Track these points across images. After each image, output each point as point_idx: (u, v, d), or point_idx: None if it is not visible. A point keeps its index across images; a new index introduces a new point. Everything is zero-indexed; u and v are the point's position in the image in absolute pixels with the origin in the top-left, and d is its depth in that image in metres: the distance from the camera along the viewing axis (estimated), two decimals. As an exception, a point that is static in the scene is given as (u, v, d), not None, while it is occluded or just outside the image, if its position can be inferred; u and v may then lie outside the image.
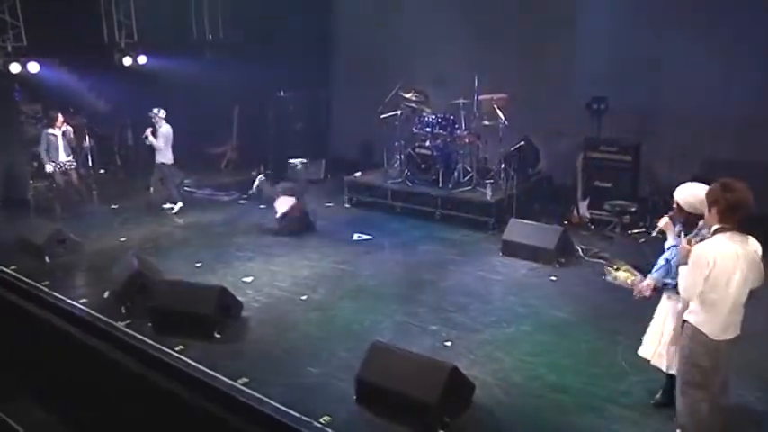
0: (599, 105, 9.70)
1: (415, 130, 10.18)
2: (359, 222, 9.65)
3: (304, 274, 7.73)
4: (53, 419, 5.13)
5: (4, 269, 7.70)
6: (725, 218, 3.81)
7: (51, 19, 11.23)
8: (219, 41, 13.32)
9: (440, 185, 9.72)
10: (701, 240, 3.98)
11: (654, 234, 4.91)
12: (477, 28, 10.56)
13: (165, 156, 10.28)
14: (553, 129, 10.10)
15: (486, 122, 9.71)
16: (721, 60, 8.71)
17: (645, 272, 4.89)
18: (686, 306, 4.06)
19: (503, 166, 9.71)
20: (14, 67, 10.54)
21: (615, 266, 5.07)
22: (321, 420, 4.75)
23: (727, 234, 3.80)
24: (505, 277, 7.53)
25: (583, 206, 9.21)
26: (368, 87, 11.68)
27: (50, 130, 9.97)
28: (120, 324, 6.37)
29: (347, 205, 10.58)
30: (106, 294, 7.02)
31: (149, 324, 6.31)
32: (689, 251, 3.95)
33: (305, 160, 11.94)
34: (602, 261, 7.67)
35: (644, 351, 4.89)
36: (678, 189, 4.47)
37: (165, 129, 10.21)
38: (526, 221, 8.33)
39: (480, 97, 9.58)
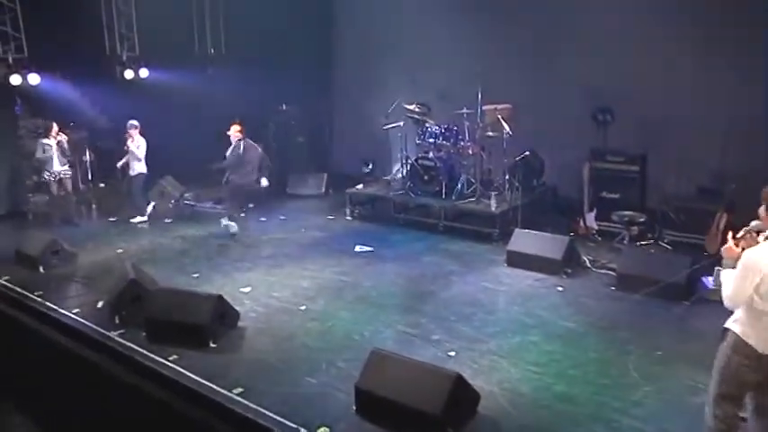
0: (604, 116, 9.56)
1: (418, 141, 10.05)
2: (361, 234, 9.46)
3: (303, 284, 7.53)
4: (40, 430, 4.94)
5: (-3, 280, 7.56)
6: None
7: (53, 31, 11.20)
8: (222, 56, 13.27)
9: (443, 197, 9.54)
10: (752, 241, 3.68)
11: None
12: (481, 40, 10.46)
13: (143, 166, 10.31)
14: (558, 140, 9.95)
15: (491, 133, 9.56)
16: (727, 71, 8.58)
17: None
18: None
19: (507, 177, 9.54)
20: (15, 79, 10.47)
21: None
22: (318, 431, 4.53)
23: None
24: (510, 288, 7.32)
25: (589, 217, 9.00)
26: (370, 101, 11.61)
27: (45, 140, 9.96)
28: (113, 334, 6.18)
29: (349, 218, 10.41)
30: (100, 304, 6.83)
31: (143, 334, 6.11)
32: (738, 255, 3.65)
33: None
34: (611, 272, 7.49)
35: None
36: None
37: (141, 139, 10.25)
38: (531, 231, 8.13)
39: (484, 107, 9.44)
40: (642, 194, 9.04)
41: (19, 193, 11.12)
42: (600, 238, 8.78)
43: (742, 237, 3.85)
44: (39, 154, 9.94)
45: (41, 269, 7.98)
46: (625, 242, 8.39)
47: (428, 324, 6.36)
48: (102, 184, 12.72)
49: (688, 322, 6.29)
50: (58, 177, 9.99)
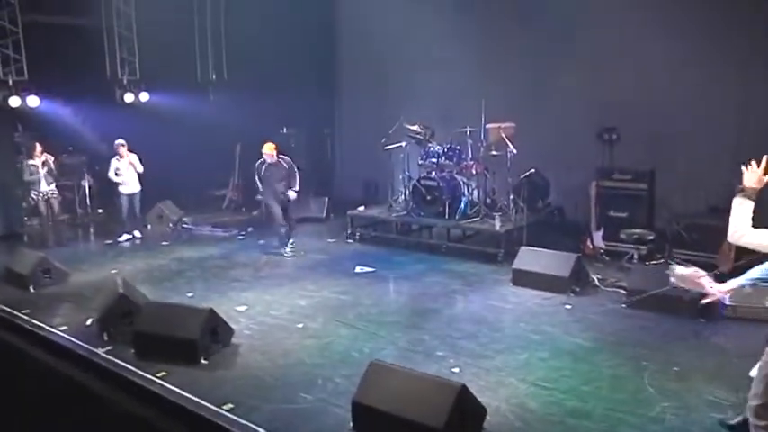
0: (610, 135, 9.41)
1: (420, 162, 9.86)
2: (362, 256, 9.19)
3: (301, 303, 7.24)
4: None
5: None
6: None
7: (54, 54, 11.20)
8: (223, 81, 13.25)
9: (446, 217, 9.30)
10: None
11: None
12: (484, 63, 10.38)
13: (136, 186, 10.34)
14: (563, 160, 9.76)
15: (495, 152, 9.36)
16: (736, 84, 8.44)
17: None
18: None
19: (512, 197, 9.31)
20: (14, 101, 10.41)
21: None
22: (312, 447, 4.22)
23: None
24: (517, 306, 7.01)
25: (597, 236, 8.74)
26: (372, 125, 11.47)
27: (30, 161, 10.03)
28: (100, 350, 5.88)
29: (350, 240, 10.15)
30: (89, 321, 6.55)
31: (132, 351, 5.81)
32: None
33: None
34: (621, 290, 7.19)
35: None
36: None
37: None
38: (538, 249, 7.85)
39: (488, 126, 9.28)
40: (650, 213, 8.79)
41: (14, 216, 10.95)
42: (608, 258, 8.49)
43: None
44: (26, 176, 10.02)
45: (31, 288, 7.72)
46: (634, 261, 8.12)
47: (431, 341, 6.05)
48: (100, 210, 12.52)
49: (705, 338, 5.97)
50: (45, 197, 10.03)
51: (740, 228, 3.49)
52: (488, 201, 9.63)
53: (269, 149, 9.31)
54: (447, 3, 11.01)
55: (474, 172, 9.57)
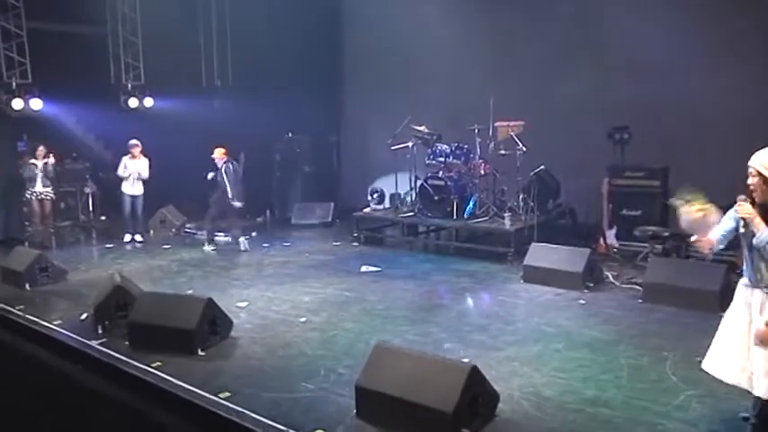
0: (621, 135, 9.16)
1: (427, 162, 9.65)
2: (367, 257, 8.94)
3: (305, 299, 6.98)
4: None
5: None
6: None
7: (59, 58, 11.16)
8: (228, 86, 13.14)
9: (455, 217, 9.06)
10: None
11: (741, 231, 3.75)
12: (493, 63, 10.21)
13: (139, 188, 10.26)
14: (574, 161, 9.51)
15: (503, 151, 9.13)
16: (749, 80, 8.22)
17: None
18: None
19: (522, 196, 9.07)
20: (17, 103, 10.30)
21: (687, 199, 3.82)
22: (312, 434, 3.94)
23: None
24: (528, 301, 6.73)
25: (610, 235, 8.47)
26: (378, 130, 11.27)
27: (31, 160, 10.11)
28: (94, 342, 5.64)
29: (355, 243, 9.89)
30: (84, 316, 6.31)
31: (126, 343, 5.57)
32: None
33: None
34: (636, 287, 6.90)
35: (722, 372, 3.79)
36: (756, 156, 3.63)
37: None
38: (549, 245, 7.57)
39: (496, 124, 9.06)
40: (665, 211, 8.49)
41: (16, 220, 10.77)
42: (621, 257, 8.20)
43: None
44: (25, 174, 10.08)
45: (27, 286, 7.50)
46: (648, 260, 7.82)
47: (439, 333, 5.79)
48: (103, 217, 12.34)
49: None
50: (39, 197, 10.06)
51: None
52: (497, 201, 9.38)
53: (219, 154, 9.79)
54: (455, 3, 10.87)
55: (483, 171, 9.34)
